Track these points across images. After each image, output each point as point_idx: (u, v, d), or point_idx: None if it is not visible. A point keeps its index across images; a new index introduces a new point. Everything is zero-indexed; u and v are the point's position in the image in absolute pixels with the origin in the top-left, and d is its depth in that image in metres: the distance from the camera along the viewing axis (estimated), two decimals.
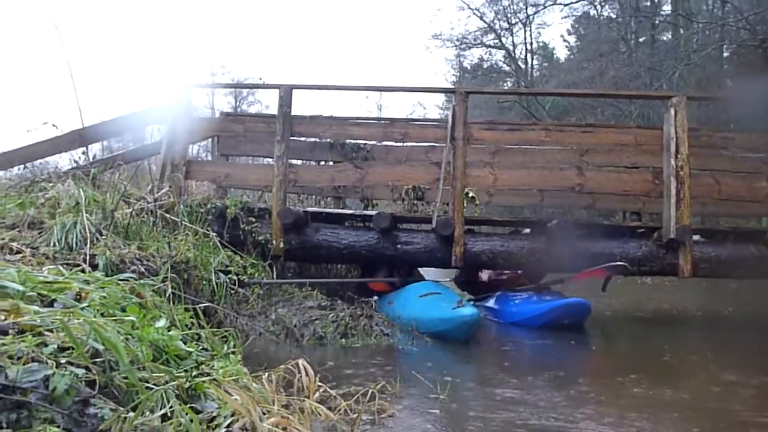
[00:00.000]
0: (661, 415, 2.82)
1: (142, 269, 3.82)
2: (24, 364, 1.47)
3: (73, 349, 1.64)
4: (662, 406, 3.01)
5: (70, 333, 1.62)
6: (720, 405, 3.08)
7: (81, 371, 1.52)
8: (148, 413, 1.54)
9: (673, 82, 15.27)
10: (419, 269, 6.64)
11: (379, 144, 6.79)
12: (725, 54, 18.80)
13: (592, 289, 6.22)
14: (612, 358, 4.63)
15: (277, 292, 5.25)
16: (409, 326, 4.88)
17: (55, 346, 1.62)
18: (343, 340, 4.56)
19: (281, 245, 5.79)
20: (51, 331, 1.74)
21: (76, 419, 1.36)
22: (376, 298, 5.77)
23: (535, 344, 5.00)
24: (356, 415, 2.49)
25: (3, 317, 1.79)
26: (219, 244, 4.80)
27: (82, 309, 1.99)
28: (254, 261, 5.30)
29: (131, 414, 1.47)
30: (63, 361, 1.55)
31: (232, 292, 4.54)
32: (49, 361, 1.51)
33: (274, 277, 5.44)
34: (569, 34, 30.16)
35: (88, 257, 3.56)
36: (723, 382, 3.56)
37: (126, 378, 1.64)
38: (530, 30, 27.88)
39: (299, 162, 6.85)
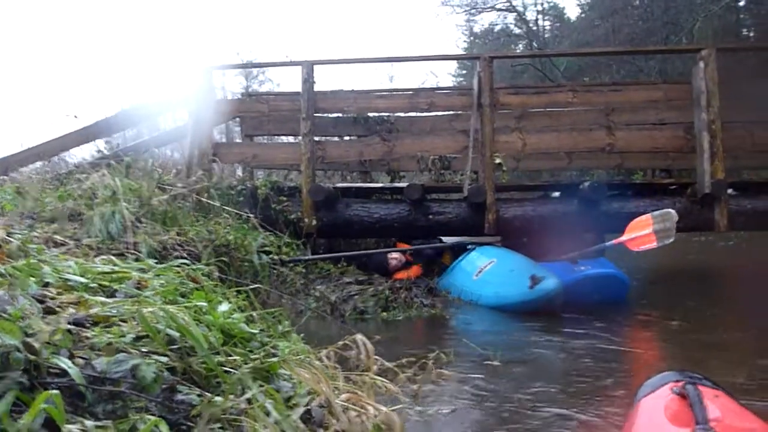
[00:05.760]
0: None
1: (184, 254, 3.85)
2: (107, 355, 1.48)
3: (147, 337, 1.65)
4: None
5: (146, 322, 1.63)
6: None
7: (163, 359, 1.53)
8: (231, 396, 1.55)
9: (693, 35, 14.90)
10: None
11: (402, 115, 6.74)
12: (741, 2, 18.37)
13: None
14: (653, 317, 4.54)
15: (314, 270, 5.26)
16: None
17: (133, 336, 1.63)
18: (384, 313, 4.58)
19: (313, 222, 5.79)
20: (124, 320, 1.75)
21: (168, 406, 1.37)
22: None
23: (586, 307, 4.64)
24: (417, 386, 2.50)
25: (73, 310, 1.81)
26: (256, 225, 4.81)
27: (147, 297, 2.00)
28: (288, 240, 5.31)
29: (217, 398, 1.48)
30: (144, 350, 1.56)
31: (273, 271, 4.56)
32: (132, 350, 1.52)
33: (309, 254, 5.45)
34: None
35: (131, 246, 3.59)
36: None
37: (203, 363, 1.65)
38: None
39: (322, 138, 6.82)
